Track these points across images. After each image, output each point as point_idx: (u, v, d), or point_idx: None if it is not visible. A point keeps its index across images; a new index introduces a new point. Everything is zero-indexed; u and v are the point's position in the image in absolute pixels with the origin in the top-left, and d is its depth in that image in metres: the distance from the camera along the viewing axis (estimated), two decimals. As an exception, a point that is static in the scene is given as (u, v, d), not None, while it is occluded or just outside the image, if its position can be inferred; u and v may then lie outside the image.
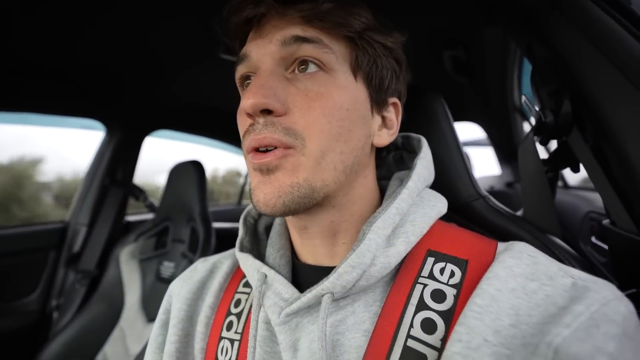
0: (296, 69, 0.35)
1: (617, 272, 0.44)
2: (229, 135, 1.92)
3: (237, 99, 0.39)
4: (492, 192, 2.10)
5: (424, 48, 0.94)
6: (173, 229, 1.31)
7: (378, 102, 0.39)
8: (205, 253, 1.16)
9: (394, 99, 0.41)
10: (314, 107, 0.33)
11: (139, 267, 1.30)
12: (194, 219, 1.25)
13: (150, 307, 1.20)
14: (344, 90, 0.35)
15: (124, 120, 1.42)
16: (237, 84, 0.39)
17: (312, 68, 0.34)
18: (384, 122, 0.40)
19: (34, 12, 0.75)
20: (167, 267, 1.24)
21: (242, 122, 0.36)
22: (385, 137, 0.40)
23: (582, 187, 1.15)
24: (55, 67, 1.05)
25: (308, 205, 0.34)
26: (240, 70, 0.37)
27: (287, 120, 0.33)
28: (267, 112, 0.33)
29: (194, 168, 1.28)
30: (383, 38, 0.37)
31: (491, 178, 2.26)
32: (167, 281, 1.20)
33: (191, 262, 1.18)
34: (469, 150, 1.92)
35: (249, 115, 0.34)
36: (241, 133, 0.36)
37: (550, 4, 0.47)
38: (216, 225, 1.29)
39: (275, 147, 0.33)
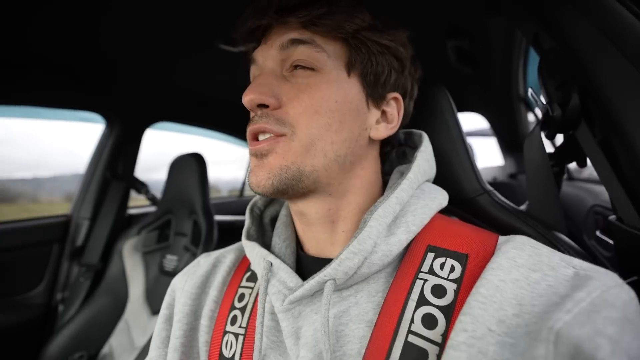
0: (293, 69, 0.38)
1: (622, 267, 0.44)
2: (231, 127, 1.91)
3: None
4: (495, 183, 2.10)
5: (426, 39, 0.92)
6: (175, 222, 1.31)
7: (374, 97, 0.40)
8: (207, 246, 1.17)
9: (395, 94, 0.42)
10: (302, 98, 0.37)
11: (142, 260, 1.31)
12: (195, 212, 1.25)
13: (154, 300, 1.22)
14: (333, 84, 0.38)
15: (123, 113, 1.41)
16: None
17: (305, 67, 0.38)
18: (385, 116, 0.42)
19: (32, 2, 0.74)
20: (170, 260, 1.25)
21: (250, 114, 0.40)
22: (383, 131, 0.41)
23: (587, 179, 1.13)
24: (53, 58, 1.04)
25: (297, 188, 0.36)
26: (252, 72, 0.42)
27: (280, 112, 0.37)
28: (264, 106, 0.37)
29: (195, 161, 1.27)
30: (378, 37, 0.40)
31: (494, 169, 2.25)
32: (171, 274, 1.21)
33: (194, 255, 1.19)
34: (472, 141, 1.91)
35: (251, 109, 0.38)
36: None
37: None
38: (218, 218, 1.29)
39: (270, 135, 0.37)
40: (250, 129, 0.38)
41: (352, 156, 0.38)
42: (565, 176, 1.27)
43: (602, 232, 0.76)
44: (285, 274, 0.37)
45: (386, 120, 0.42)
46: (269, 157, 0.36)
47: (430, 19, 0.41)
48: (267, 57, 0.39)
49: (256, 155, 0.37)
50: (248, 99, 0.37)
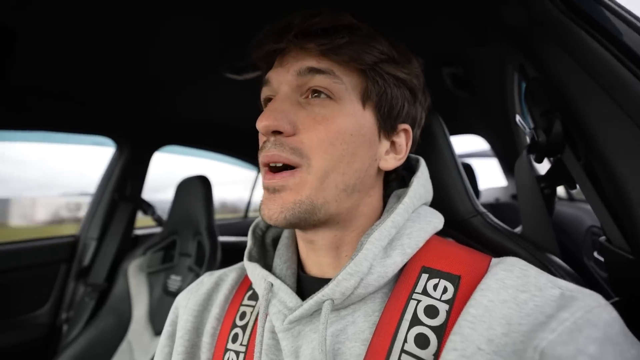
0: (309, 96, 0.39)
1: (614, 288, 0.45)
2: (237, 150, 1.96)
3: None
4: (498, 204, 2.09)
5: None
6: (180, 243, 1.33)
7: (386, 129, 0.41)
8: (211, 267, 1.18)
9: (405, 126, 0.43)
10: (318, 129, 0.37)
11: (146, 280, 1.32)
12: (200, 233, 1.27)
13: (157, 321, 1.22)
14: (349, 117, 0.38)
15: (132, 137, 1.47)
16: (262, 104, 0.43)
17: (322, 96, 0.38)
18: (393, 146, 0.43)
19: (43, 35, 0.79)
20: (174, 281, 1.26)
21: (260, 139, 0.40)
22: (391, 162, 0.42)
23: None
24: (68, 87, 1.10)
25: (309, 221, 0.37)
26: (264, 93, 0.42)
27: (295, 140, 0.37)
28: (278, 132, 0.37)
29: (201, 183, 1.31)
30: (395, 70, 0.40)
31: (497, 190, 2.25)
32: (174, 294, 1.21)
33: (197, 275, 1.20)
34: (474, 162, 1.92)
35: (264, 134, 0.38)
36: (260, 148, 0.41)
37: (538, 27, 0.49)
38: (222, 239, 1.31)
39: (283, 165, 0.37)
40: (263, 157, 0.38)
41: (361, 185, 0.39)
42: (566, 197, 1.27)
43: (599, 252, 0.76)
44: (286, 294, 0.38)
45: (395, 151, 0.43)
46: (282, 193, 0.36)
47: (421, 46, 0.44)
48: (282, 81, 0.39)
49: (268, 189, 0.37)
50: (263, 125, 0.37)
